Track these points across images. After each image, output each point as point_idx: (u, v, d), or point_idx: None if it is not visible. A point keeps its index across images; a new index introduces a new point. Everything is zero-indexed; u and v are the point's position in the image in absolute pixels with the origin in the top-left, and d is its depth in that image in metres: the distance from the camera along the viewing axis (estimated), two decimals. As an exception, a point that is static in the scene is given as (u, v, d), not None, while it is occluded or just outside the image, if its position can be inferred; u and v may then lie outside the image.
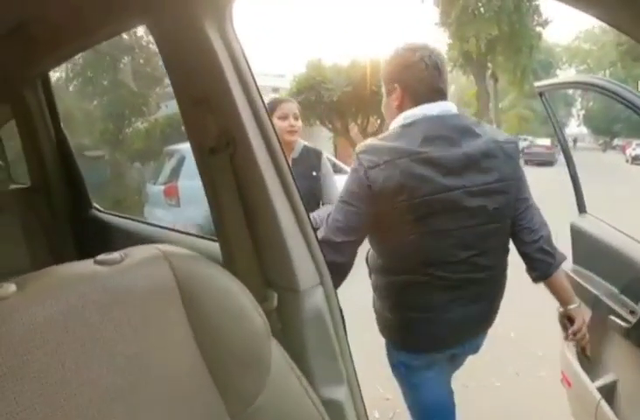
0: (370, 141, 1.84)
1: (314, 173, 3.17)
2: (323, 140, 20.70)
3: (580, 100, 60.21)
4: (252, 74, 1.18)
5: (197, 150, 1.28)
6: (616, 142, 45.95)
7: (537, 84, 2.63)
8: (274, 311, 1.21)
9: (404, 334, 2.01)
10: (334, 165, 9.50)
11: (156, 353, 0.79)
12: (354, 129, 20.15)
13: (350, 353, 1.32)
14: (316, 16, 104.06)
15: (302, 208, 1.24)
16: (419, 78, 1.83)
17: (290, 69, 23.35)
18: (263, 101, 1.20)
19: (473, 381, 3.79)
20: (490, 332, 4.41)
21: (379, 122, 19.55)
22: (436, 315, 1.91)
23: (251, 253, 1.24)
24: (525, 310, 5.07)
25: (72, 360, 0.69)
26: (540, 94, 2.59)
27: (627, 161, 30.26)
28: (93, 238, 2.52)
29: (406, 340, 2.03)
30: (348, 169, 7.50)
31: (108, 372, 0.72)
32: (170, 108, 15.27)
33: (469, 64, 34.36)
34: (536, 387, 3.69)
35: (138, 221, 2.32)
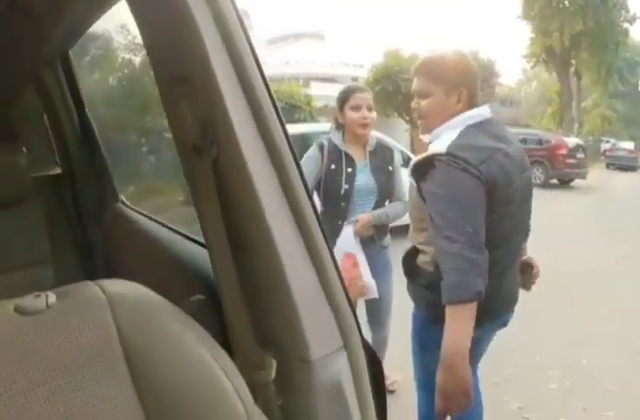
0: (456, 140, 1.94)
1: (390, 168, 3.17)
2: (399, 132, 20.40)
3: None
4: (252, 50, 0.83)
5: (179, 146, 0.96)
6: None
7: None
8: (271, 382, 0.87)
9: None
10: (409, 159, 9.12)
11: None
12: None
13: None
14: (397, 6, 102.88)
15: (322, 242, 0.88)
16: (477, 84, 2.11)
17: (370, 59, 23.11)
18: (269, 89, 0.85)
19: (535, 413, 3.43)
20: (560, 354, 4.08)
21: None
22: (494, 293, 1.96)
23: (240, 298, 0.89)
24: (602, 337, 4.67)
25: None
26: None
27: None
28: (117, 232, 2.33)
29: None
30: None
31: None
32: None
33: (551, 60, 33.29)
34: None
35: (157, 222, 2.07)
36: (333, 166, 3.03)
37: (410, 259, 2.23)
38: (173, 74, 0.90)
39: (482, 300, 1.87)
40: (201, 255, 1.53)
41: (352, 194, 3.03)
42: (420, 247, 2.17)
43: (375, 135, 3.18)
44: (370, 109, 3.01)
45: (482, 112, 2.04)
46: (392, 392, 3.55)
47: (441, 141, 1.99)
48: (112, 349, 0.64)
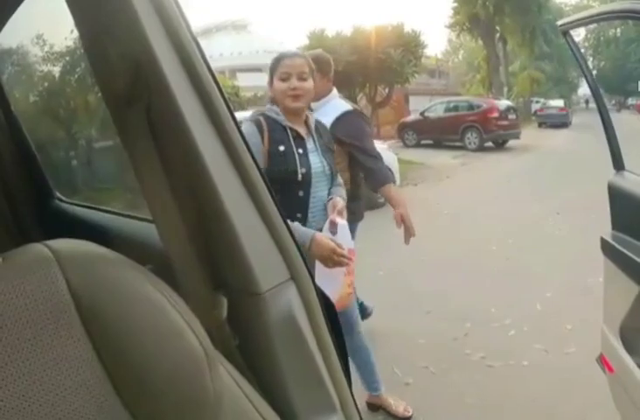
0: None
1: (332, 147, 2.75)
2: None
3: (591, 59, 59.06)
4: (178, 6, 0.83)
5: (109, 101, 0.92)
6: (630, 101, 45.07)
7: (560, 22, 2.26)
8: (224, 322, 0.88)
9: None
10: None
11: (47, 398, 0.60)
12: (363, 100, 19.70)
13: (344, 368, 0.98)
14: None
15: (259, 179, 0.89)
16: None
17: (294, 44, 22.69)
18: (193, 35, 0.85)
19: (498, 360, 3.51)
20: (515, 303, 4.20)
21: (386, 90, 19.11)
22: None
23: (187, 243, 0.89)
24: (552, 282, 4.81)
25: None
26: (564, 34, 2.21)
27: (642, 120, 29.65)
28: (59, 231, 2.18)
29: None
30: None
31: None
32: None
33: (476, 27, 33.65)
34: (567, 366, 3.35)
35: (102, 211, 2.03)
36: (282, 148, 2.49)
37: None
38: (95, 23, 0.86)
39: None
40: (148, 230, 1.51)
41: (310, 180, 2.54)
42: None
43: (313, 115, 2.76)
44: (303, 78, 2.51)
45: None
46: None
47: (337, 106, 3.19)
48: (63, 305, 0.62)
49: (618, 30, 49.37)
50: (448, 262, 5.52)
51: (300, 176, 2.46)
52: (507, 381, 3.25)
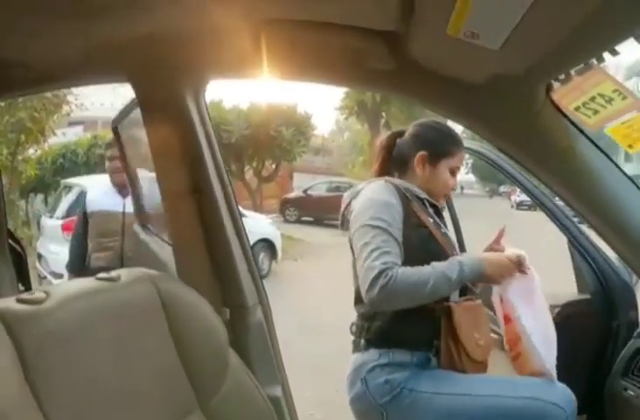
0: None
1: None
2: (217, 183, 20.55)
3: (467, 148, 62.76)
4: (214, 139, 1.56)
5: (167, 194, 1.60)
6: (502, 189, 48.14)
7: None
8: (227, 323, 1.40)
9: None
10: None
11: (144, 359, 0.98)
12: (249, 173, 20.10)
13: (281, 359, 1.64)
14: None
15: (245, 241, 1.58)
16: None
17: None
18: (221, 159, 1.60)
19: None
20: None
21: (273, 166, 19.80)
22: None
23: (208, 278, 1.51)
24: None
25: (91, 361, 0.88)
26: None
27: (512, 207, 31.89)
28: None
29: None
30: (245, 212, 7.50)
31: (115, 370, 0.92)
32: (68, 136, 14.61)
33: (363, 112, 35.15)
34: None
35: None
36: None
37: None
38: (171, 151, 1.56)
39: None
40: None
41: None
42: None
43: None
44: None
45: None
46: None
47: None
48: (157, 309, 1.04)
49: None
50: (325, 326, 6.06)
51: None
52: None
